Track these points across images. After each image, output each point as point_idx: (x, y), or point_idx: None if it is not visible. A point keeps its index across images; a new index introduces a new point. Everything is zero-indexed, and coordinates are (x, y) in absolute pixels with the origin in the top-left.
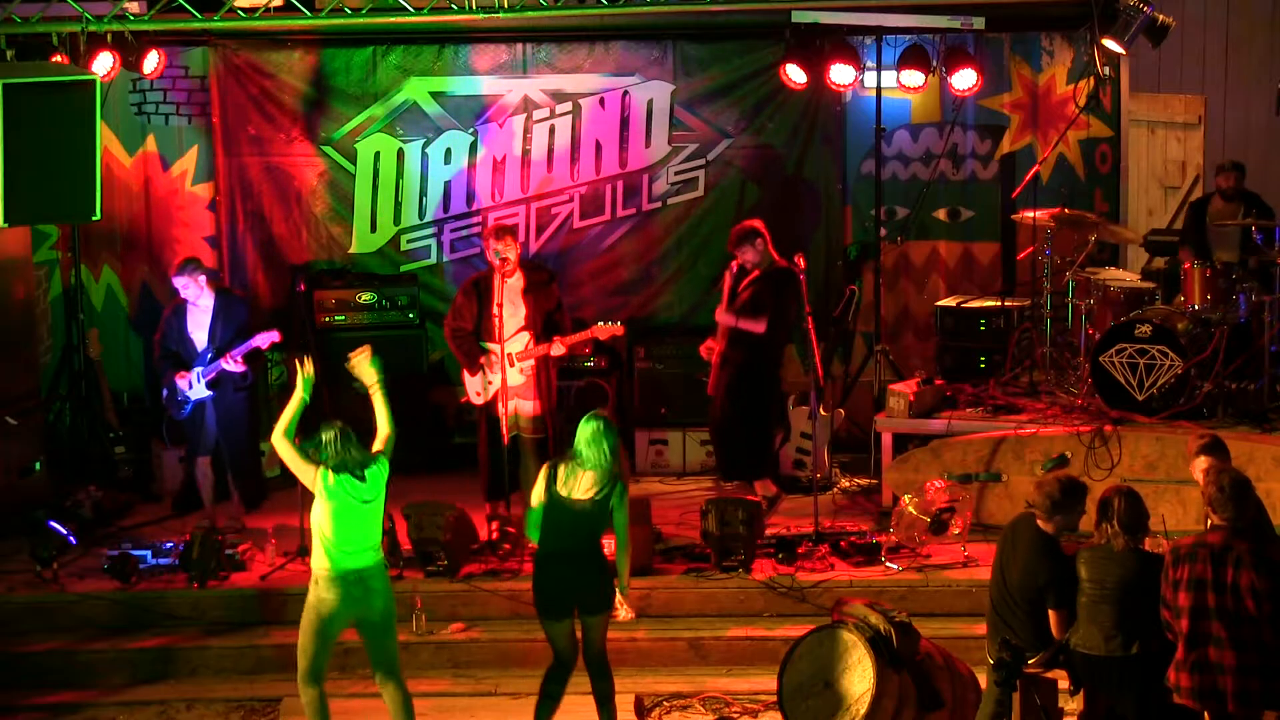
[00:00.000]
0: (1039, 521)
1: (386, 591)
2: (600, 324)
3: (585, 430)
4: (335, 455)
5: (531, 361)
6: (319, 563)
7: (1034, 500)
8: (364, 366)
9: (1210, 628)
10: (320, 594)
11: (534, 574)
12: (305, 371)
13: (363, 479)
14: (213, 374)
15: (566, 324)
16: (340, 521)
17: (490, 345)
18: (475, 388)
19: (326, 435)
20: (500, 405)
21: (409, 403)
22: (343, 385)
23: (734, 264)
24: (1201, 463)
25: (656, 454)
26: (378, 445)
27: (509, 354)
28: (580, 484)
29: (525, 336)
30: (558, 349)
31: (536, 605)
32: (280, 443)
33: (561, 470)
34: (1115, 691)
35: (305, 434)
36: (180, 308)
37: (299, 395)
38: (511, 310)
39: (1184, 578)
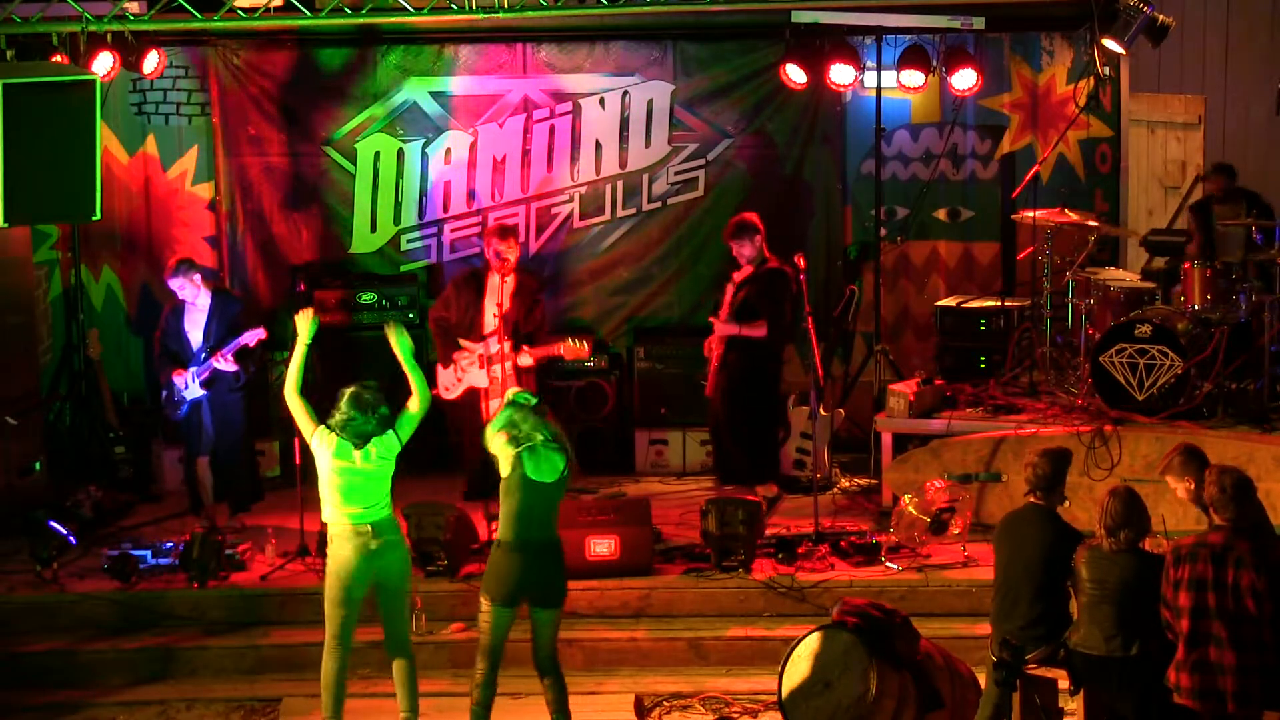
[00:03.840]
0: (1034, 500)
1: (401, 544)
2: (568, 342)
3: (518, 415)
4: (341, 418)
5: (509, 365)
6: (330, 518)
7: (1029, 479)
8: (392, 334)
9: (1211, 628)
10: (335, 551)
11: (501, 561)
12: (308, 318)
13: (360, 447)
14: (206, 373)
15: (544, 334)
16: (339, 485)
17: (468, 343)
18: (446, 382)
19: (342, 399)
20: (484, 404)
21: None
22: (348, 381)
23: (736, 275)
24: (1178, 484)
25: (656, 454)
26: (408, 408)
27: (483, 355)
28: (548, 467)
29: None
30: (525, 359)
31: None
32: (291, 397)
33: (527, 458)
34: (1115, 691)
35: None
36: (179, 307)
37: (302, 344)
38: (497, 310)
39: (1184, 578)
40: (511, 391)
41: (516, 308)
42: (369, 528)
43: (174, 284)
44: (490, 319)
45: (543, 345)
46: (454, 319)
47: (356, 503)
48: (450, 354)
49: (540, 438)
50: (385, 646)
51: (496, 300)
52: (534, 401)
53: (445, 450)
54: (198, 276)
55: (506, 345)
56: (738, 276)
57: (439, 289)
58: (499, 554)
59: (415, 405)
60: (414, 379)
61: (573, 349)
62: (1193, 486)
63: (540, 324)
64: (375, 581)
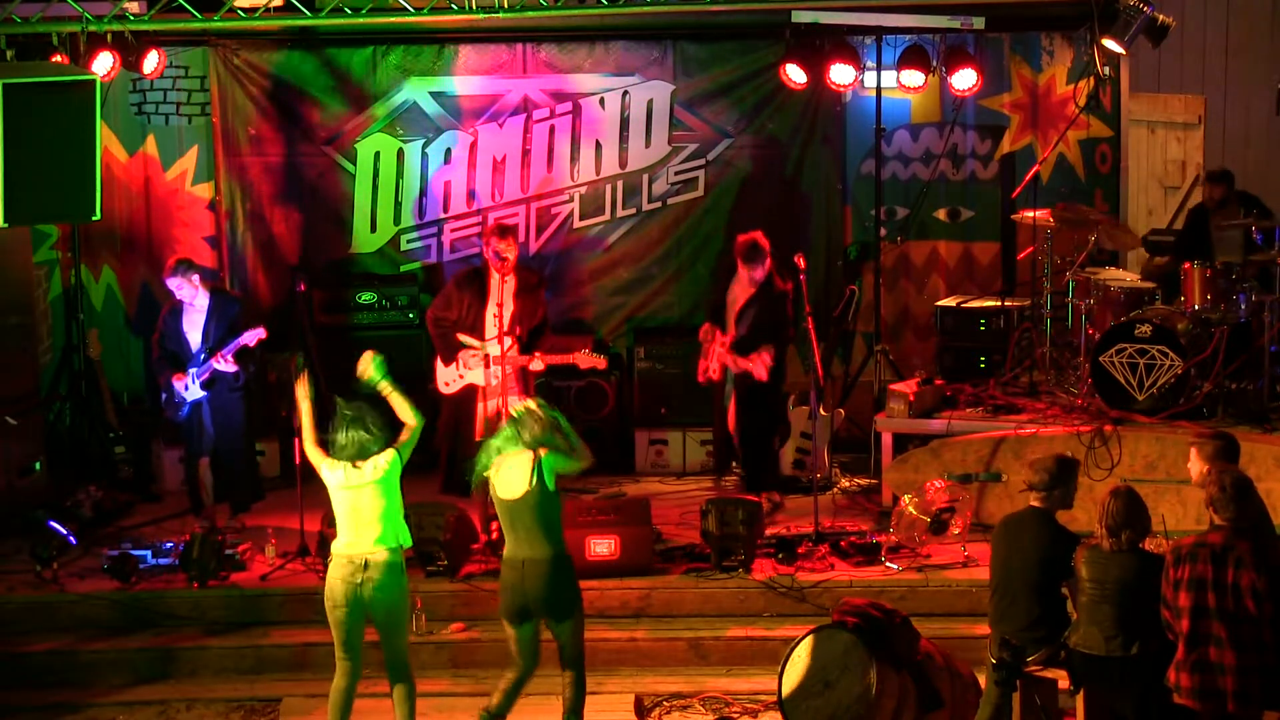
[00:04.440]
0: (1034, 503)
1: (389, 586)
2: (583, 352)
3: (503, 435)
4: (339, 439)
5: (511, 367)
6: (335, 543)
7: (1032, 480)
8: (369, 370)
9: (1211, 628)
10: (329, 572)
11: (501, 578)
12: (302, 383)
13: (356, 468)
14: (206, 374)
15: (546, 333)
16: (341, 510)
17: (471, 341)
18: (446, 378)
19: (336, 417)
20: (480, 404)
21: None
22: (347, 387)
23: (739, 290)
24: (1199, 465)
25: (656, 454)
26: (402, 437)
27: (489, 355)
28: (515, 479)
29: (507, 341)
30: (536, 365)
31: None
32: (311, 451)
33: (494, 476)
34: (1115, 691)
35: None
36: (177, 308)
37: (306, 404)
38: (497, 311)
39: (1184, 577)
40: (517, 409)
41: (519, 307)
42: (363, 560)
43: (172, 284)
44: (491, 319)
45: (557, 353)
46: (454, 317)
47: (361, 529)
48: (453, 352)
49: (510, 451)
50: (385, 667)
51: (497, 300)
52: (520, 413)
53: (431, 452)
54: (196, 277)
55: (509, 346)
56: (742, 294)
57: (439, 289)
58: (501, 570)
59: (412, 421)
60: (402, 406)
61: (588, 358)
62: (1207, 473)
63: (542, 323)
64: (366, 609)
